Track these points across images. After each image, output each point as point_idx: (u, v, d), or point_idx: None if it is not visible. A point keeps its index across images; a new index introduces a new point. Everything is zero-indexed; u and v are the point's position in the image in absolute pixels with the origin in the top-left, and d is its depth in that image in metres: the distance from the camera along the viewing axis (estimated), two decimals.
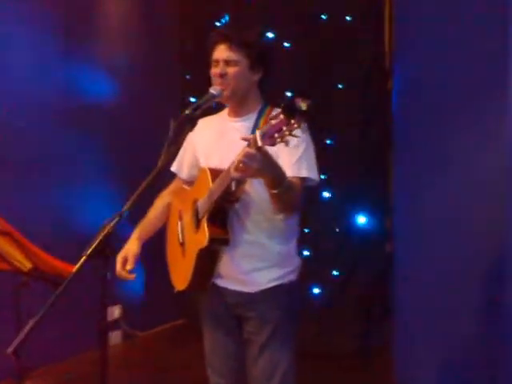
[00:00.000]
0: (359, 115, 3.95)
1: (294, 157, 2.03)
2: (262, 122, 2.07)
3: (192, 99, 4.08)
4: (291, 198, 1.96)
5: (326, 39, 3.87)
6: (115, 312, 4.19)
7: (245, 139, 1.79)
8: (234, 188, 2.00)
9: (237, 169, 1.81)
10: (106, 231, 1.70)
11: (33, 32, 3.70)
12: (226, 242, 2.05)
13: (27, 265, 2.03)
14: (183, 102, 4.27)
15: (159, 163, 1.85)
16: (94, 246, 1.68)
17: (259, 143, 1.71)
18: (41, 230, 3.55)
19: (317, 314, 3.92)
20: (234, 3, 4.19)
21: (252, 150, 1.75)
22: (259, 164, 1.76)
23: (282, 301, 2.14)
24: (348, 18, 3.88)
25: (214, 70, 2.10)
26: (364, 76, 3.90)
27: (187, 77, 4.52)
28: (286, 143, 1.69)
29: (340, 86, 3.94)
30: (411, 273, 3.34)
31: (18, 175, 3.61)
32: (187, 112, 1.90)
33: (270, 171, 1.84)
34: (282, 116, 1.65)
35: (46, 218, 3.71)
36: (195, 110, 1.93)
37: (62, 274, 1.98)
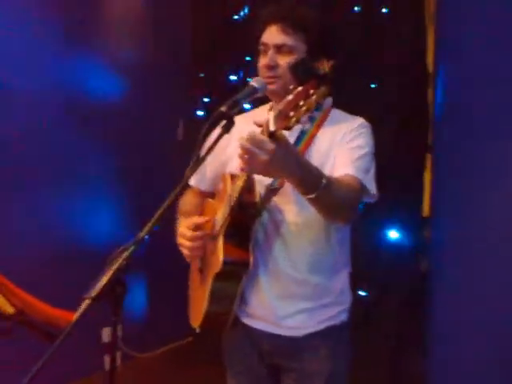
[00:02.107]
0: (393, 117, 3.53)
1: (355, 155, 1.62)
2: (315, 125, 1.65)
3: (205, 99, 3.68)
4: (339, 199, 1.49)
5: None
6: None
7: (258, 124, 1.36)
8: (258, 199, 1.58)
9: (241, 161, 1.36)
10: (118, 265, 1.28)
11: (29, 25, 3.22)
12: (245, 265, 1.62)
13: (9, 309, 1.61)
14: (195, 101, 3.86)
15: (186, 174, 1.42)
16: (101, 286, 1.25)
17: (272, 127, 1.28)
18: (36, 246, 3.19)
19: None
20: None
21: (260, 136, 1.31)
22: (271, 156, 1.30)
23: (333, 347, 1.71)
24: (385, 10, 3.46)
25: (262, 60, 1.67)
26: (400, 76, 3.47)
27: (201, 75, 4.08)
28: (302, 123, 1.26)
29: (373, 86, 3.52)
30: (451, 295, 2.95)
31: (12, 183, 3.14)
32: (222, 109, 1.43)
33: (293, 168, 1.37)
34: (299, 88, 1.22)
35: (43, 233, 3.27)
36: (232, 107, 1.49)
37: (58, 323, 1.55)
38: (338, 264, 1.75)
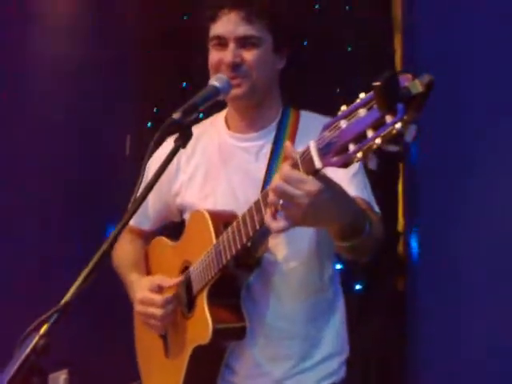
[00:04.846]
0: None
1: (350, 170, 1.31)
2: (286, 137, 1.33)
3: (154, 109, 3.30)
4: (375, 239, 1.22)
5: None
6: (60, 379, 3.36)
7: (289, 158, 1.01)
8: (249, 243, 1.24)
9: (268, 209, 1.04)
10: (32, 346, 0.90)
11: None
12: (240, 333, 1.30)
13: None
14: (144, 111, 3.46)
15: (128, 210, 1.05)
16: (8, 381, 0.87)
17: (317, 163, 0.95)
18: None
19: None
20: None
21: (301, 174, 0.97)
22: (312, 199, 0.98)
23: None
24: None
25: (218, 55, 1.34)
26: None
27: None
28: (369, 161, 0.91)
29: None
30: (434, 316, 2.69)
31: None
32: (175, 117, 1.10)
33: (337, 214, 1.07)
34: (370, 108, 0.86)
35: None
36: (188, 113, 1.14)
37: None
38: (332, 305, 1.49)
